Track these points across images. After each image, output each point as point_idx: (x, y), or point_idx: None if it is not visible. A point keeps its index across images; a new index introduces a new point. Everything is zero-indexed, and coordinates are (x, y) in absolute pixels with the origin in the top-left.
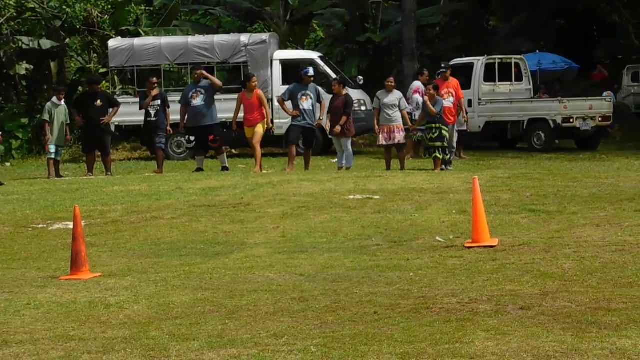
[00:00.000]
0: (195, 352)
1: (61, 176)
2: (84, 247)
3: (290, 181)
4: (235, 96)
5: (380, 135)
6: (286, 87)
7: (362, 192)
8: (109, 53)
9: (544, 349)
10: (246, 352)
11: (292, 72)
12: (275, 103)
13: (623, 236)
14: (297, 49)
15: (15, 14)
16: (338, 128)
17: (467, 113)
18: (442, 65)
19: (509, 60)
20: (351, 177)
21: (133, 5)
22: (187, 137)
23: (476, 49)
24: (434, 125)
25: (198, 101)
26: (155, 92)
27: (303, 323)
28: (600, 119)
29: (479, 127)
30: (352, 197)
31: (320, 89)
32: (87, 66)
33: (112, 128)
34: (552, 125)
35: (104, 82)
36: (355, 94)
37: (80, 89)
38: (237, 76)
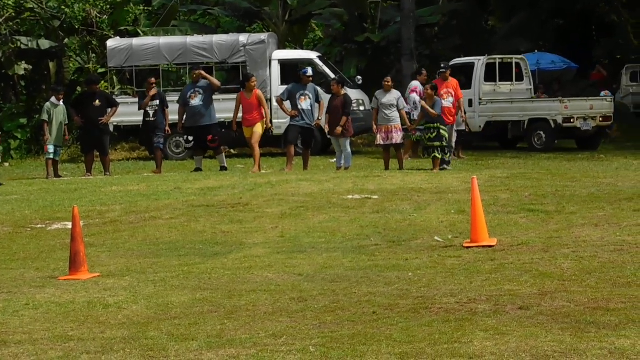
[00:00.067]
0: (194, 352)
1: (60, 176)
2: (82, 247)
3: (289, 181)
4: (234, 96)
5: (378, 135)
6: (285, 87)
7: (360, 192)
8: (107, 53)
9: (543, 348)
10: (245, 352)
11: (291, 72)
12: (274, 103)
13: (622, 236)
14: (295, 48)
15: (14, 14)
16: (339, 129)
17: (465, 113)
18: (442, 66)
19: (509, 60)
20: (350, 177)
21: (132, 5)
22: (185, 137)
23: (475, 49)
24: (432, 125)
25: (196, 101)
26: (153, 92)
27: (302, 323)
28: (601, 119)
29: (480, 127)
30: (350, 197)
31: (319, 89)
32: (86, 66)
33: (111, 128)
34: (552, 125)
35: (102, 82)
36: (354, 94)
37: (79, 89)
38: (235, 76)
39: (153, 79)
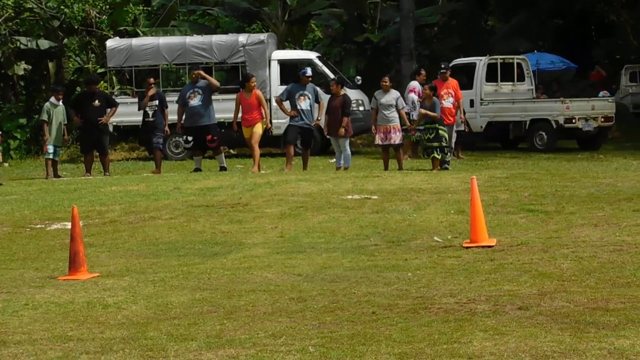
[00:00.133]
0: (193, 352)
1: (59, 176)
2: (82, 248)
3: (289, 181)
4: (234, 96)
5: (377, 135)
6: (284, 87)
7: (360, 192)
8: (107, 53)
9: (542, 349)
10: (244, 352)
11: (290, 72)
12: (274, 103)
13: (621, 236)
14: (295, 49)
15: (13, 14)
16: (342, 130)
17: (465, 113)
18: (442, 66)
19: (511, 61)
20: (349, 177)
21: (131, 5)
22: (184, 137)
23: (474, 49)
24: (431, 126)
25: (196, 101)
26: (152, 92)
27: (301, 323)
28: (602, 120)
29: (481, 127)
30: (350, 197)
31: (318, 89)
32: (85, 66)
33: (110, 128)
34: (554, 126)
35: (102, 82)
36: (353, 94)
37: (78, 89)
38: (235, 76)
39: (152, 79)
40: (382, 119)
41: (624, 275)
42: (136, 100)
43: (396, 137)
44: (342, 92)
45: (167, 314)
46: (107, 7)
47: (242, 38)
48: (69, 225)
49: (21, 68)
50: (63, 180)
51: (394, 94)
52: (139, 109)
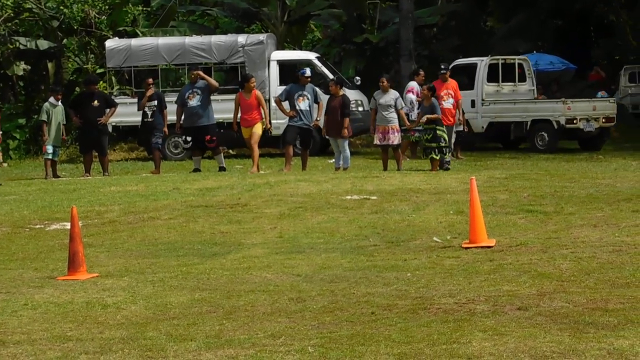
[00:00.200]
0: (192, 352)
1: (58, 176)
2: (81, 248)
3: (288, 181)
4: (233, 97)
5: (376, 135)
6: (283, 87)
7: (359, 193)
8: (106, 53)
9: (542, 349)
10: (243, 353)
11: (290, 72)
12: (273, 103)
13: (620, 236)
14: (294, 49)
15: (12, 14)
16: (345, 132)
17: (464, 114)
18: (442, 67)
19: (512, 61)
20: (348, 178)
21: (130, 5)
22: (184, 137)
23: (474, 50)
24: (429, 126)
25: (194, 102)
26: (150, 92)
27: (300, 323)
28: (603, 120)
29: (482, 127)
30: (349, 197)
31: (317, 89)
32: (85, 67)
33: (110, 128)
34: (555, 126)
35: (101, 82)
36: (353, 95)
37: (77, 89)
38: (234, 77)
39: (150, 80)
40: (381, 119)
41: (623, 275)
42: (135, 100)
43: (394, 138)
44: (341, 93)
45: (166, 314)
46: (107, 7)
47: (242, 38)
48: (68, 225)
49: (20, 68)
50: (62, 181)
51: (392, 94)
52: (138, 110)
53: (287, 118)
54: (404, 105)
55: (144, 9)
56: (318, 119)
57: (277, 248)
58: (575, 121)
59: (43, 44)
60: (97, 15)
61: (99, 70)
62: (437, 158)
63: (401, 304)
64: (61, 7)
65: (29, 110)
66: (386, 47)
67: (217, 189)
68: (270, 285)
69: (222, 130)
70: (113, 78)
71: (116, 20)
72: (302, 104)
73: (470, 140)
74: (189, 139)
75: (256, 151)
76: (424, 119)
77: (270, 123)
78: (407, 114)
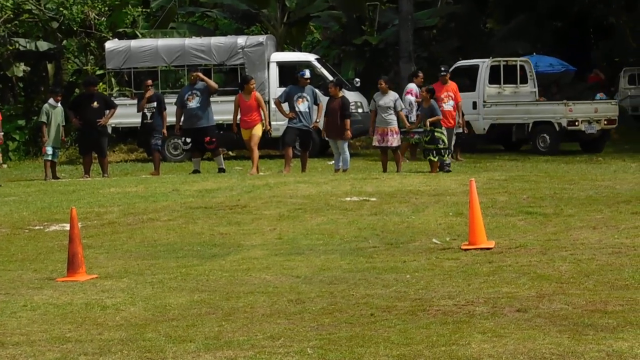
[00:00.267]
0: (191, 353)
1: (58, 178)
2: (80, 249)
3: (287, 183)
4: (233, 98)
5: (375, 137)
6: (283, 89)
7: (358, 194)
8: (105, 55)
9: (541, 351)
10: (242, 354)
11: (289, 74)
12: (272, 105)
13: (619, 238)
14: (294, 51)
15: (12, 15)
16: (348, 133)
17: (464, 115)
18: (442, 69)
19: (514, 63)
20: (348, 179)
21: (130, 7)
22: (183, 139)
23: (473, 52)
24: (427, 128)
25: (194, 103)
26: (149, 93)
27: (299, 325)
28: (605, 122)
29: (484, 129)
30: (348, 199)
31: (317, 91)
32: (84, 68)
33: (109, 130)
34: (557, 128)
35: (100, 83)
36: (352, 96)
37: (77, 90)
38: (234, 78)
39: (150, 81)
40: (380, 121)
41: (623, 277)
42: (135, 101)
43: (393, 140)
44: (340, 94)
45: (166, 315)
46: (106, 8)
47: (241, 40)
48: (67, 226)
49: (20, 69)
50: (62, 182)
51: (392, 96)
52: (137, 111)
53: (287, 120)
54: (403, 106)
55: (144, 10)
56: (317, 120)
57: (277, 249)
58: (577, 123)
59: (43, 45)
60: (96, 17)
61: (98, 72)
62: (435, 160)
63: (400, 306)
64: (61, 9)
65: (29, 112)
66: (386, 48)
67: (216, 190)
68: (269, 287)
69: (221, 132)
70: (113, 79)
71: (116, 22)
72: (302, 106)
73: (472, 142)
74: (188, 140)
75: (256, 153)
76: (427, 123)
77: (269, 124)
78: (406, 116)
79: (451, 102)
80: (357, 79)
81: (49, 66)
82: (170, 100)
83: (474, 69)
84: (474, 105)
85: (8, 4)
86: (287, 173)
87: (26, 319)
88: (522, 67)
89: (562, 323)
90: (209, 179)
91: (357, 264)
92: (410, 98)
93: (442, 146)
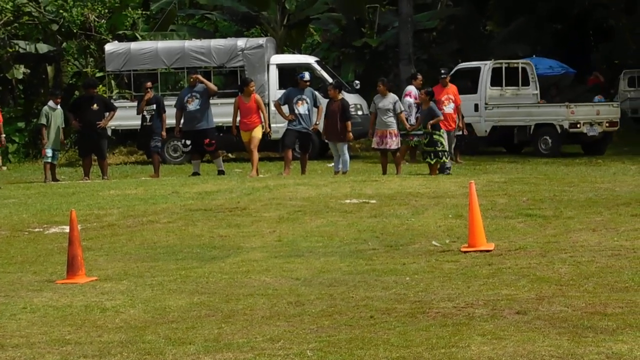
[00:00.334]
0: (191, 356)
1: (57, 180)
2: (80, 251)
3: (287, 185)
4: (232, 100)
5: (374, 139)
6: (283, 91)
7: (358, 197)
8: (105, 57)
9: (540, 353)
10: (242, 356)
11: (289, 76)
12: (272, 107)
13: (619, 241)
14: (293, 53)
15: (12, 17)
16: (350, 135)
17: (463, 118)
18: (442, 71)
19: (515, 65)
20: (347, 182)
21: (130, 9)
22: (183, 141)
23: (473, 54)
24: (426, 131)
25: (193, 105)
26: (148, 96)
27: (299, 327)
28: (607, 125)
29: (486, 131)
30: (348, 201)
31: (317, 93)
32: (84, 70)
33: (109, 132)
34: (559, 131)
35: (100, 86)
36: (352, 99)
37: (76, 93)
38: (233, 80)
39: (149, 83)
40: (379, 124)
41: (622, 279)
42: (135, 104)
43: (392, 142)
44: (340, 97)
45: (165, 317)
46: (106, 11)
47: (241, 42)
48: (67, 228)
49: (20, 72)
50: (61, 184)
51: (391, 98)
52: (137, 113)
53: (287, 122)
54: (403, 108)
55: (144, 12)
56: (317, 122)
57: (276, 252)
58: (578, 125)
59: (42, 48)
60: (96, 19)
61: (98, 74)
62: (433, 162)
63: (400, 308)
64: (60, 11)
65: (28, 114)
66: (385, 51)
67: (216, 192)
68: (269, 289)
69: (221, 134)
70: (112, 82)
71: (115, 24)
72: (301, 108)
73: (474, 144)
74: (188, 142)
75: (255, 155)
76: (428, 125)
77: (269, 127)
78: (406, 118)
79: (451, 105)
80: (357, 82)
81: (49, 68)
82: (170, 102)
83: (476, 71)
84: (476, 107)
85: (8, 7)
86: (286, 175)
87: (26, 321)
88: (523, 69)
89: (561, 325)
90: (209, 182)
91: (356, 266)
92: (409, 100)
93: (440, 148)
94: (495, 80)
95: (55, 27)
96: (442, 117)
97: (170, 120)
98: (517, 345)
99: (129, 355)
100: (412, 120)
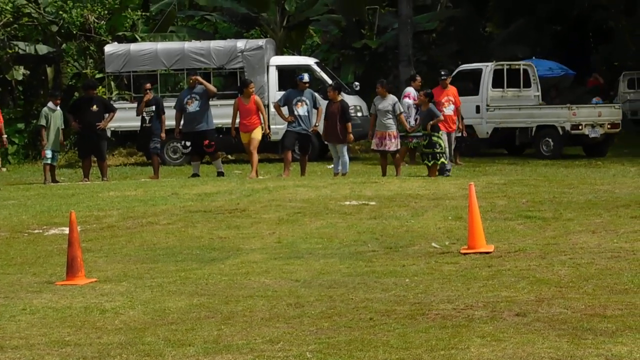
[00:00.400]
0: (190, 357)
1: (57, 181)
2: (79, 253)
3: (286, 187)
4: (232, 102)
5: (373, 140)
6: (282, 92)
7: (357, 198)
8: (105, 58)
9: (540, 355)
10: (241, 358)
11: (289, 77)
12: (272, 109)
13: (619, 242)
14: (293, 54)
15: (11, 19)
16: (350, 137)
17: (462, 120)
18: (442, 73)
19: (517, 67)
20: (347, 183)
21: (129, 10)
22: (183, 142)
23: (472, 55)
24: (425, 132)
25: (193, 107)
26: (147, 97)
27: (298, 329)
28: (609, 126)
29: (487, 133)
30: (348, 203)
31: (317, 95)
32: (84, 71)
33: (108, 133)
34: (560, 132)
35: (100, 87)
36: (351, 100)
37: (76, 94)
38: (233, 82)
39: (148, 85)
40: (379, 125)
41: (622, 281)
42: (134, 105)
43: (391, 144)
44: (339, 98)
45: (165, 319)
46: (106, 12)
47: (241, 44)
48: (66, 230)
49: (19, 73)
50: (61, 185)
51: (390, 99)
52: (136, 115)
53: (286, 123)
54: (402, 109)
55: (143, 14)
56: (317, 124)
57: (276, 253)
58: (580, 127)
59: (42, 49)
60: (96, 20)
61: (98, 75)
62: (430, 164)
63: (399, 310)
64: (60, 12)
65: (28, 115)
66: (385, 52)
67: (215, 194)
68: (268, 291)
69: (221, 136)
70: (112, 83)
71: (115, 25)
72: (301, 110)
73: (475, 146)
74: (188, 144)
75: (255, 156)
76: (428, 126)
77: (269, 128)
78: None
79: (452, 107)
80: (357, 83)
81: (49, 70)
82: (170, 103)
83: (477, 72)
84: (477, 109)
85: (7, 8)
86: (286, 177)
87: (25, 323)
88: (525, 70)
89: (561, 327)
90: (208, 183)
91: (356, 267)
92: (408, 101)
93: (438, 150)
94: (497, 82)
95: (54, 28)
96: (442, 118)
97: (170, 121)
98: (517, 347)
99: (128, 357)
100: (412, 121)
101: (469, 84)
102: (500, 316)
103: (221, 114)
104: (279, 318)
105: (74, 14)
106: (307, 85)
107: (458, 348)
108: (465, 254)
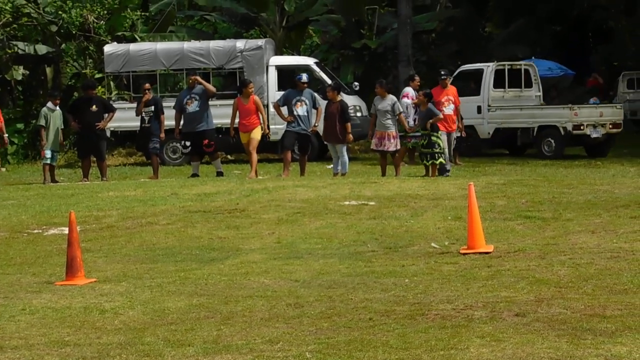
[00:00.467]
0: (190, 357)
1: (56, 181)
2: (79, 253)
3: (286, 187)
4: (231, 102)
5: (372, 140)
6: (282, 93)
7: (357, 198)
8: (104, 58)
9: (539, 355)
10: (241, 358)
11: (288, 78)
12: (271, 109)
13: (618, 243)
14: (292, 54)
15: (11, 19)
16: (350, 137)
17: (462, 119)
18: (442, 73)
19: (518, 67)
20: (346, 183)
21: (129, 10)
22: (182, 142)
23: (472, 56)
24: (424, 132)
25: (193, 107)
26: (146, 97)
27: (298, 329)
28: (610, 126)
29: (489, 133)
30: (347, 203)
31: (316, 95)
32: (83, 71)
33: (108, 133)
34: (562, 132)
35: (99, 87)
36: (351, 100)
37: (75, 94)
38: (232, 82)
39: (148, 85)
40: (379, 125)
41: (621, 282)
42: (134, 105)
43: (390, 145)
44: (338, 98)
45: (164, 319)
46: (105, 12)
47: (240, 44)
48: (66, 230)
49: (19, 73)
50: (60, 186)
51: (389, 100)
52: (136, 115)
53: (286, 123)
54: (401, 109)
55: (143, 14)
56: (316, 124)
57: (275, 253)
58: (582, 127)
59: (41, 49)
60: (95, 20)
61: (97, 75)
62: (429, 164)
63: (399, 310)
64: (60, 12)
65: (27, 115)
66: (384, 52)
67: (215, 194)
68: (268, 291)
69: (220, 136)
70: (111, 83)
71: (114, 25)
72: (300, 110)
73: (477, 146)
74: (187, 144)
75: (254, 156)
76: (428, 125)
77: (268, 128)
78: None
79: (451, 106)
80: (356, 83)
81: (48, 70)
82: (169, 104)
83: (478, 73)
84: (479, 109)
85: (7, 8)
86: (285, 177)
87: (25, 323)
88: (526, 71)
89: (560, 327)
90: (208, 183)
91: (355, 268)
92: (407, 101)
93: (437, 150)
94: (498, 82)
95: (54, 28)
96: (441, 116)
97: (169, 121)
98: (516, 348)
99: (127, 357)
100: (410, 121)
101: (470, 84)
102: (499, 316)
103: (221, 114)
104: (278, 318)
105: (74, 14)
106: (305, 85)
107: (457, 348)
108: (464, 254)
